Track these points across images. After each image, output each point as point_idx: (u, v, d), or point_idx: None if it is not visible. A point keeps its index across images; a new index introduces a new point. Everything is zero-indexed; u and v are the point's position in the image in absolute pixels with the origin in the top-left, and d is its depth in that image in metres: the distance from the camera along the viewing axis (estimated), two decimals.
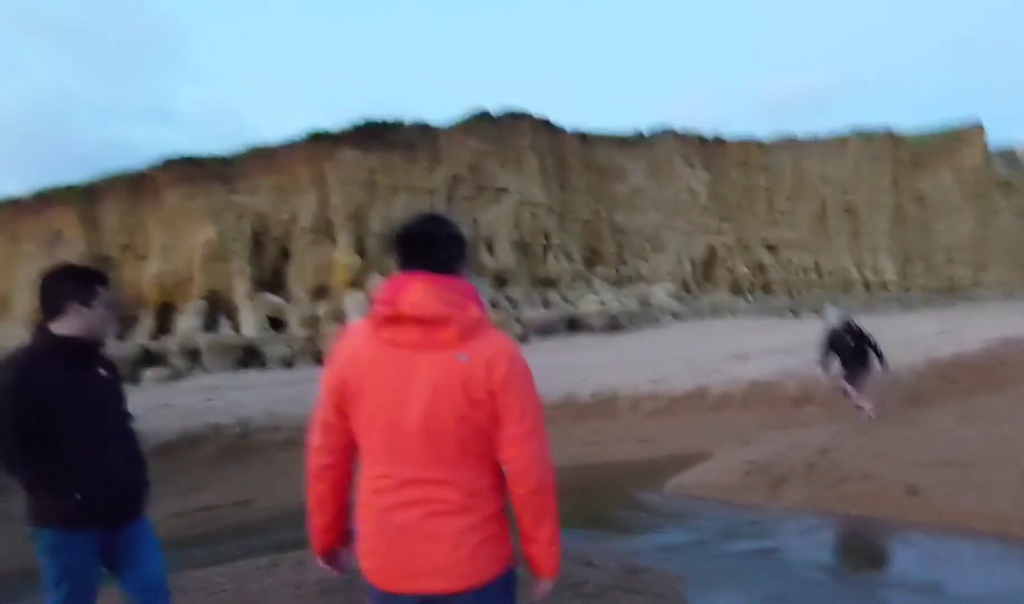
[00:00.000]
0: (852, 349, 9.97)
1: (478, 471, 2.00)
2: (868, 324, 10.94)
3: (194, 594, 4.63)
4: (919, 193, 57.80)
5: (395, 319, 1.98)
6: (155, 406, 13.21)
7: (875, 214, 54.33)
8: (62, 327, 2.85)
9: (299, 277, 33.61)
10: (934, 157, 59.12)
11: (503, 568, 2.04)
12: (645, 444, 11.93)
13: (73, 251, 31.26)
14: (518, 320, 31.14)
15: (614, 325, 33.38)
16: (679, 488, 8.75)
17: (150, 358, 28.74)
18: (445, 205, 34.52)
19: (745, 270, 47.39)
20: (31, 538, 2.82)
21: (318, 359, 26.78)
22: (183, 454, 11.32)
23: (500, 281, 35.75)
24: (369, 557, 2.04)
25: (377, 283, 29.13)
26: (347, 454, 2.10)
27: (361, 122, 35.04)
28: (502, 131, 37.75)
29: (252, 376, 23.87)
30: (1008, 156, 65.88)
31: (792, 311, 40.58)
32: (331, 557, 2.25)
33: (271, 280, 33.64)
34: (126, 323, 30.41)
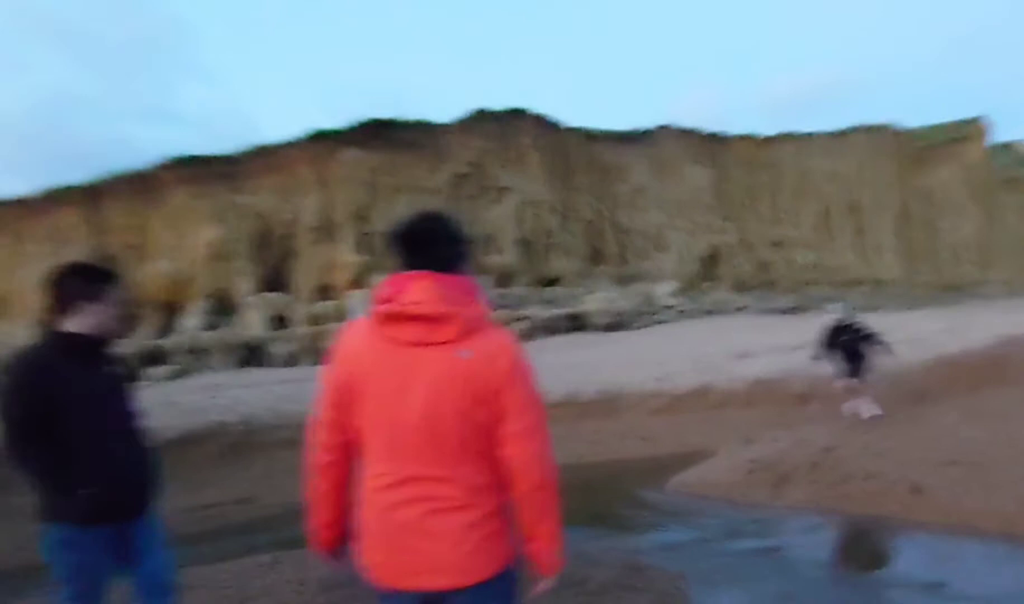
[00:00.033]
0: (850, 345, 9.95)
1: (479, 468, 2.00)
2: (873, 322, 10.93)
3: (198, 590, 4.65)
4: (924, 190, 57.67)
5: (397, 316, 1.99)
6: (159, 404, 13.22)
7: (879, 211, 54.22)
8: (71, 324, 2.86)
9: (302, 276, 33.65)
10: (939, 154, 59.00)
11: (504, 565, 2.04)
12: (648, 442, 11.92)
13: (77, 251, 31.33)
14: (521, 318, 31.11)
15: (617, 323, 33.33)
16: (682, 486, 8.74)
17: (155, 356, 28.85)
18: (448, 204, 34.54)
19: (749, 268, 47.30)
20: (41, 534, 2.82)
21: (321, 357, 26.80)
22: (187, 451, 11.34)
23: (503, 280, 35.74)
24: (371, 554, 2.05)
25: (380, 282, 29.02)
26: (348, 452, 2.10)
27: (364, 121, 35.05)
28: (504, 129, 37.73)
29: (255, 374, 23.88)
30: (1013, 152, 65.74)
31: (796, 309, 40.44)
32: (332, 554, 2.25)
33: (274, 279, 33.69)
34: (131, 322, 30.48)
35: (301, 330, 30.57)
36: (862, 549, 6.53)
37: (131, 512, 2.95)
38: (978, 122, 60.69)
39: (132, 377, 3.27)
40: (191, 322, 31.58)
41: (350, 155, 33.64)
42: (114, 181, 34.44)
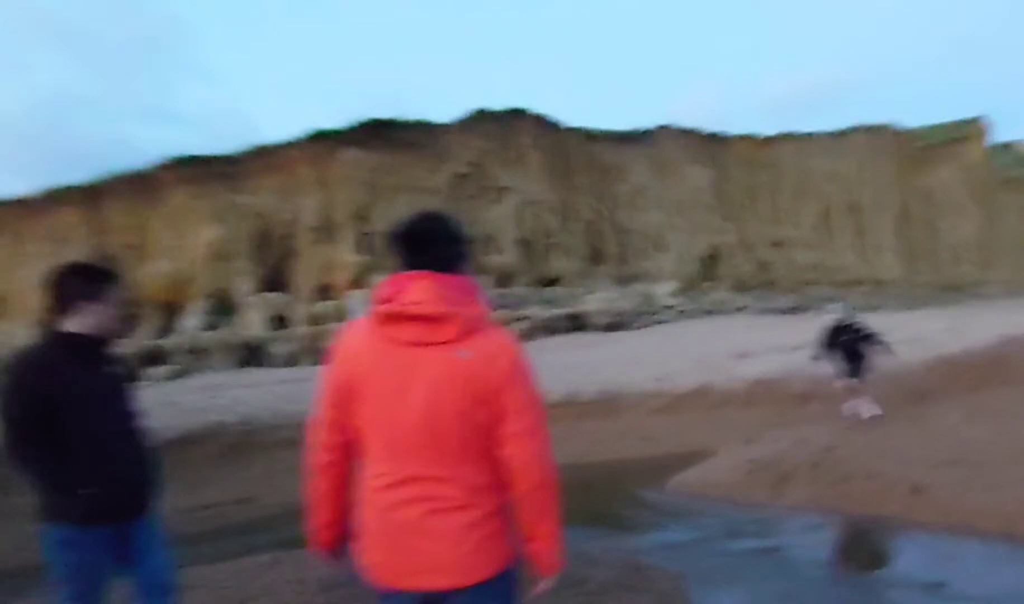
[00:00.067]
0: (849, 345, 9.94)
1: (479, 468, 2.00)
2: (873, 322, 10.92)
3: (198, 590, 4.64)
4: (924, 190, 57.69)
5: (397, 316, 1.98)
6: (159, 404, 13.21)
7: (880, 211, 54.22)
8: (71, 324, 2.86)
9: (302, 276, 33.66)
10: (939, 154, 59.02)
11: (504, 565, 2.04)
12: (648, 442, 11.92)
13: (77, 251, 31.34)
14: (521, 318, 31.12)
15: (617, 323, 33.33)
16: (682, 486, 8.74)
17: (154, 356, 28.86)
18: (448, 204, 34.55)
19: (748, 268, 47.30)
20: (41, 535, 2.82)
21: (321, 358, 26.81)
22: (187, 451, 11.34)
23: (503, 280, 35.75)
24: (370, 554, 2.04)
25: (380, 282, 29.02)
26: (348, 451, 2.10)
27: (364, 121, 35.06)
28: (504, 129, 37.74)
29: (255, 374, 23.89)
30: (1013, 152, 65.77)
31: (796, 309, 40.44)
32: (332, 554, 2.25)
33: (275, 279, 33.71)
34: (131, 322, 30.50)
35: (301, 330, 30.59)
36: (863, 549, 6.53)
37: (131, 512, 2.94)
38: (978, 122, 60.73)
39: (132, 377, 3.26)
40: (191, 322, 31.59)
41: (350, 155, 33.65)
42: (114, 181, 34.45)
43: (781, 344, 17.33)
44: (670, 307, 36.85)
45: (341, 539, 2.22)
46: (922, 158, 58.06)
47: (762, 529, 6.98)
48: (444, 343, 1.96)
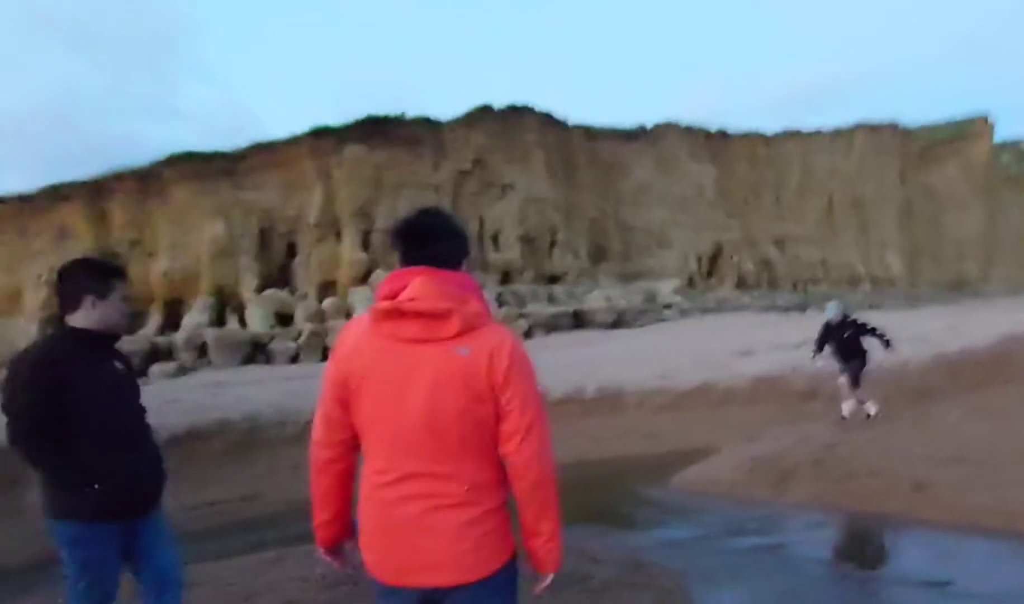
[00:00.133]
0: (845, 342, 9.91)
1: (479, 465, 2.00)
2: (875, 319, 10.90)
3: (204, 587, 4.66)
4: (927, 188, 57.59)
5: (396, 313, 1.99)
6: (163, 401, 13.24)
7: (883, 209, 54.14)
8: (78, 320, 2.87)
9: (305, 273, 33.70)
10: (942, 151, 58.91)
11: (504, 562, 2.04)
12: (651, 439, 11.92)
13: (81, 247, 31.41)
14: (523, 315, 31.13)
15: (620, 321, 33.35)
16: (684, 484, 8.74)
17: (158, 353, 28.90)
18: (451, 201, 34.55)
19: (751, 266, 47.28)
20: (51, 531, 2.82)
21: (324, 354, 26.88)
22: (191, 449, 11.36)
23: (506, 277, 35.77)
24: (371, 551, 2.05)
25: (381, 278, 28.91)
26: (349, 448, 2.10)
27: (367, 118, 35.09)
28: (508, 126, 37.73)
29: (259, 371, 23.94)
30: (1016, 150, 65.60)
31: (799, 306, 40.43)
32: (335, 551, 2.25)
33: (278, 276, 33.76)
34: (134, 319, 30.56)
35: (304, 327, 30.62)
36: (865, 546, 6.52)
37: (139, 509, 2.95)
38: (983, 120, 60.56)
39: (139, 373, 3.28)
40: (195, 319, 31.63)
41: (353, 152, 33.66)
42: (118, 178, 34.53)
43: (784, 342, 17.32)
44: (671, 305, 36.83)
45: (343, 536, 2.22)
46: (926, 156, 57.97)
47: (764, 527, 6.98)
48: (444, 340, 1.96)
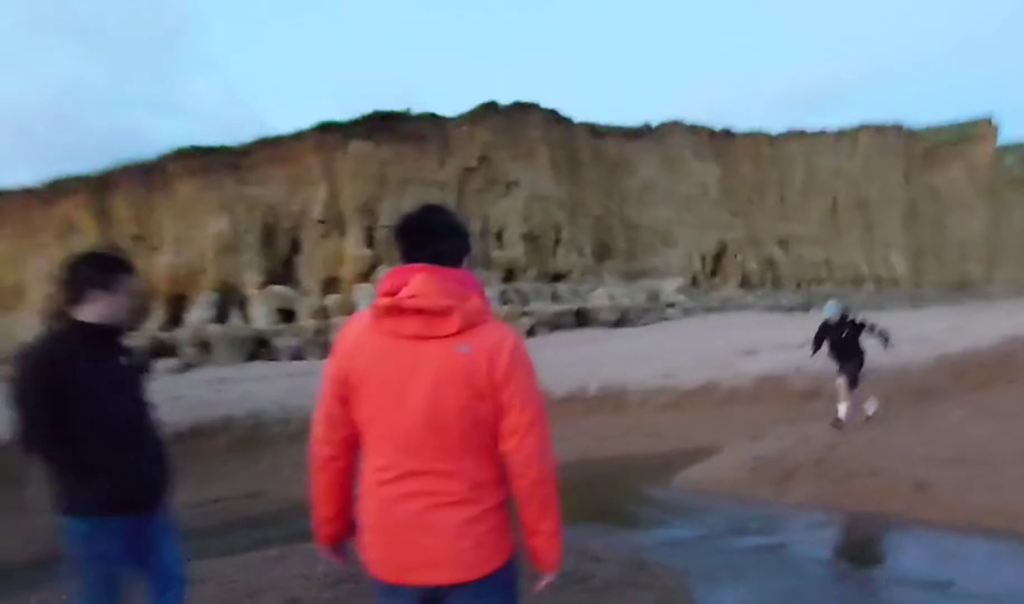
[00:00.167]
0: (842, 341, 9.86)
1: (480, 463, 2.00)
2: (878, 320, 10.88)
3: (207, 583, 4.67)
4: (931, 188, 57.46)
5: (397, 310, 1.99)
6: (167, 397, 13.26)
7: (887, 209, 54.02)
8: (84, 313, 2.85)
9: (309, 269, 33.70)
10: (946, 152, 58.77)
11: (505, 561, 2.05)
12: (654, 438, 11.93)
13: (85, 242, 31.44)
14: (527, 313, 31.13)
15: (623, 319, 33.34)
16: (687, 483, 8.75)
17: (161, 349, 28.92)
18: (456, 198, 34.55)
19: (755, 265, 47.23)
20: (60, 526, 2.82)
21: (328, 351, 26.86)
22: (195, 445, 11.38)
23: (510, 274, 35.75)
24: (371, 549, 2.05)
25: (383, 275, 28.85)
26: (350, 445, 2.10)
27: (372, 113, 35.03)
28: (513, 123, 37.67)
29: (262, 368, 23.93)
30: (1020, 152, 65.42)
31: (802, 306, 40.39)
32: (336, 548, 2.26)
33: (281, 272, 33.75)
34: (142, 313, 30.59)
35: (308, 324, 30.63)
36: (867, 546, 6.52)
37: (146, 505, 2.95)
38: (987, 122, 60.41)
39: (146, 368, 3.28)
40: (198, 314, 31.64)
41: (358, 147, 33.63)
42: (122, 172, 34.53)
43: (787, 341, 17.31)
44: (675, 304, 36.80)
45: (345, 534, 2.22)
46: (930, 157, 57.85)
47: (766, 526, 6.99)
48: (445, 337, 1.96)
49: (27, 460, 2.81)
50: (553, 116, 39.73)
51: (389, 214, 32.40)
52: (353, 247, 32.95)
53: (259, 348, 29.55)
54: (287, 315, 31.72)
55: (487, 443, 2.01)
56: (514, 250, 36.35)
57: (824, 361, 10.18)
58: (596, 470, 10.11)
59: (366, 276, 31.99)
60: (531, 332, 29.21)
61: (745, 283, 46.02)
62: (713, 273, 45.94)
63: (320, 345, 28.32)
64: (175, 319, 32.31)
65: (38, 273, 32.41)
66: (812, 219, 50.98)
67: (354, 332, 2.08)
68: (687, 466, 9.25)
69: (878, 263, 53.42)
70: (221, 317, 31.71)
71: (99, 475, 2.77)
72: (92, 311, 2.86)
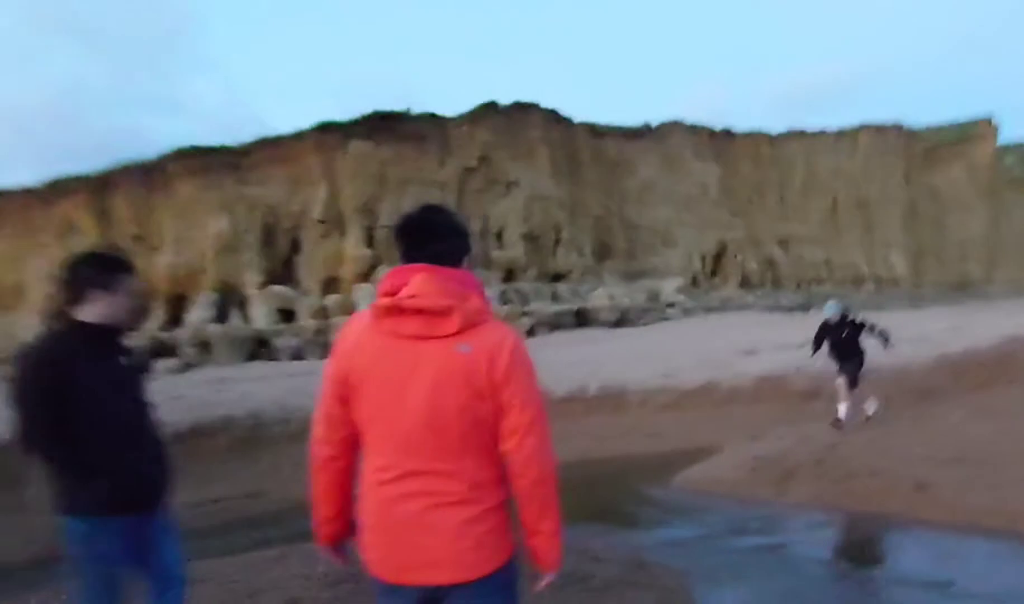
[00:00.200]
0: (842, 341, 9.85)
1: (480, 463, 2.00)
2: (878, 320, 10.88)
3: (207, 583, 4.67)
4: (931, 188, 57.46)
5: (396, 310, 1.99)
6: (167, 397, 13.25)
7: (887, 209, 54.02)
8: (84, 313, 2.85)
9: (309, 269, 33.70)
10: (946, 152, 58.77)
11: (505, 561, 2.05)
12: (654, 438, 11.93)
13: (85, 242, 31.43)
14: (527, 313, 31.12)
15: (623, 319, 33.34)
16: (687, 483, 8.75)
17: (161, 349, 28.91)
18: (456, 198, 34.54)
19: (755, 265, 47.23)
20: (60, 526, 2.82)
21: (328, 351, 26.86)
22: (195, 445, 11.38)
23: (510, 274, 35.74)
24: (371, 549, 2.05)
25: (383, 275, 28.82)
26: (350, 445, 2.10)
27: (372, 113, 35.01)
28: (513, 123, 37.67)
29: (262, 368, 23.92)
30: (1020, 153, 65.43)
31: (803, 306, 40.38)
32: (336, 548, 2.26)
33: (281, 272, 33.74)
34: (143, 313, 30.59)
35: (308, 324, 30.62)
36: (866, 546, 6.52)
37: (146, 505, 2.95)
38: (987, 122, 60.41)
39: (146, 368, 3.27)
40: (198, 314, 31.64)
41: (358, 147, 33.63)
42: (122, 172, 34.53)
43: (787, 341, 17.31)
44: (674, 304, 36.81)
45: (345, 534, 2.22)
46: (930, 157, 57.86)
47: (766, 526, 7.00)
48: (444, 337, 1.96)
49: (27, 460, 2.81)
50: (553, 116, 39.72)
51: (389, 214, 32.39)
52: (353, 247, 32.94)
53: (259, 348, 29.54)
54: (287, 315, 31.71)
55: (487, 443, 2.00)
56: (514, 250, 36.35)
57: (824, 361, 10.17)
58: (596, 470, 10.11)
59: (366, 276, 31.98)
60: (531, 332, 29.21)
61: (745, 283, 46.03)
62: (713, 273, 45.95)
63: (320, 345, 28.31)
64: (175, 319, 32.30)
65: (38, 273, 32.40)
66: (812, 219, 50.98)
67: (354, 332, 2.08)
68: (687, 466, 9.25)
69: (878, 263, 53.42)
70: (221, 317, 31.70)
71: (99, 475, 2.76)
72: (92, 311, 2.85)
